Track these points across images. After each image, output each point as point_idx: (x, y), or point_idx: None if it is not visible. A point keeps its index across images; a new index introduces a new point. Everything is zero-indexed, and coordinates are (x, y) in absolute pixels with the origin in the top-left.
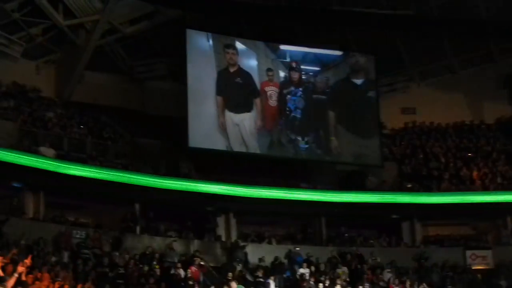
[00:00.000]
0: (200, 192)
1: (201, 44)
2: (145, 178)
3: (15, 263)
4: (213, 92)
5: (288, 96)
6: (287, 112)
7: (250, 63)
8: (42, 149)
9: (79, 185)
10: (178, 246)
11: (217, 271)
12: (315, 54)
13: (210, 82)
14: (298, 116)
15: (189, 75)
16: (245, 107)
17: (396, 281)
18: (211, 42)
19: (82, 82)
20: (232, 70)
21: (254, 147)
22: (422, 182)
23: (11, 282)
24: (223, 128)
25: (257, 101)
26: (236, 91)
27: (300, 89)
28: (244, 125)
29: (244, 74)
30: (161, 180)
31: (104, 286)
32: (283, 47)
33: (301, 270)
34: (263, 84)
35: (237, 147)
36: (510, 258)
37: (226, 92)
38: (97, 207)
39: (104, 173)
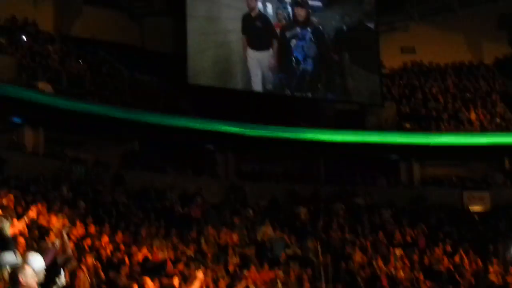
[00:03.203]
0: (199, 130)
1: None
2: (144, 115)
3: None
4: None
5: (294, 41)
6: (294, 65)
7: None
8: (40, 84)
9: (78, 121)
10: (178, 183)
11: (215, 210)
12: None
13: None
14: (309, 67)
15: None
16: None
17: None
18: None
19: (81, 17)
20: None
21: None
22: (421, 122)
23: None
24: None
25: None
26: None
27: (309, 29)
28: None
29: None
30: (160, 117)
31: (104, 223)
32: None
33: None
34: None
35: (244, 85)
36: (507, 200)
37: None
38: (96, 143)
39: (104, 109)
